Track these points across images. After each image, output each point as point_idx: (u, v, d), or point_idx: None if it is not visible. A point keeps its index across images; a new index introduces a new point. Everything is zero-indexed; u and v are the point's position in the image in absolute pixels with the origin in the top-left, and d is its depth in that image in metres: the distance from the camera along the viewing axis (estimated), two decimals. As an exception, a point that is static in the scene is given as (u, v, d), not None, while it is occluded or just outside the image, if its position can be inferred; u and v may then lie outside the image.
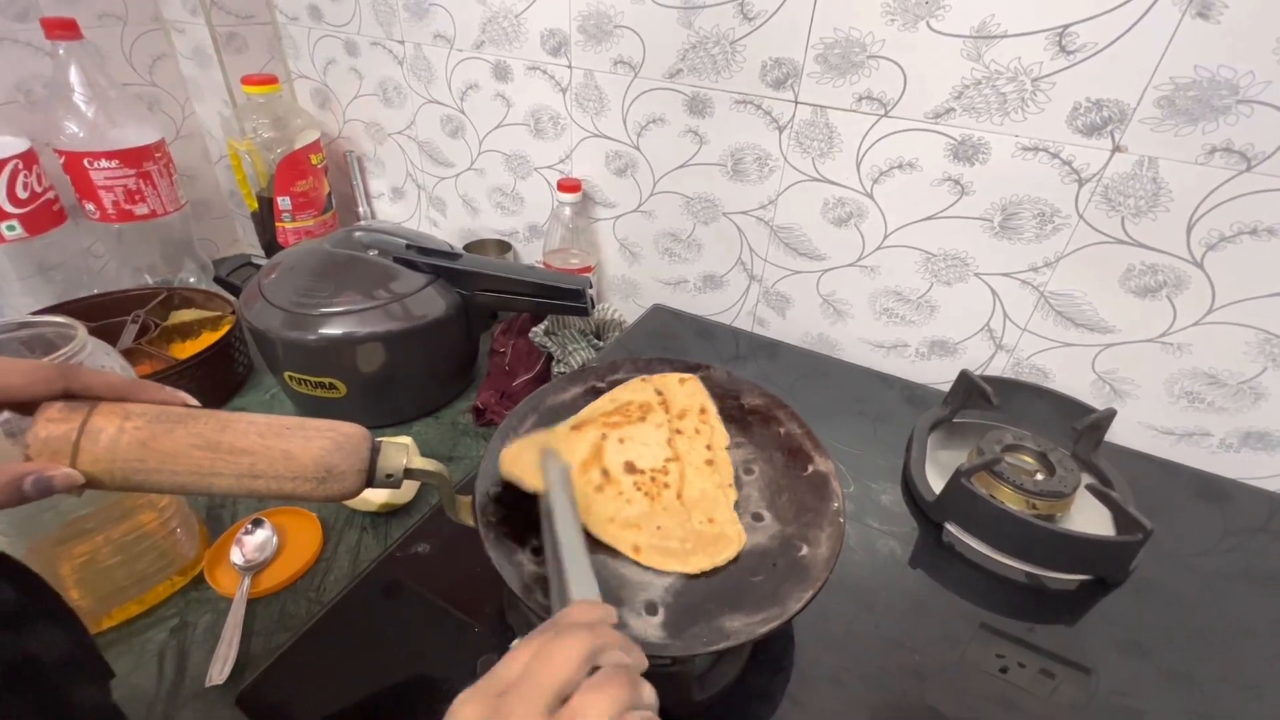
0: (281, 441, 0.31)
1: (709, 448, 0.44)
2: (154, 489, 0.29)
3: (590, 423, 0.45)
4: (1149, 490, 0.55)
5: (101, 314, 0.72)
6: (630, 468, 0.42)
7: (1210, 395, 0.59)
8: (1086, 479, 0.54)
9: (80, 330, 0.43)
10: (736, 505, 0.41)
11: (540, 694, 0.22)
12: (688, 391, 0.48)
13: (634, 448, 0.43)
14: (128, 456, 0.29)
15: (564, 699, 0.23)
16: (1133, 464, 0.59)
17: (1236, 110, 0.48)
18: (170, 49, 0.92)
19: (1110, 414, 0.56)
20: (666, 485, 0.41)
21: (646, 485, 0.41)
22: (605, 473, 0.42)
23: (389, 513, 0.59)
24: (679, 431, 0.44)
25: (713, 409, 0.47)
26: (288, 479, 0.31)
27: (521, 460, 0.40)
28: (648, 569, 0.37)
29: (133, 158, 0.77)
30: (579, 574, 0.30)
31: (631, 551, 0.38)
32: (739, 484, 0.43)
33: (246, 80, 0.85)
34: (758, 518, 0.41)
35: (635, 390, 0.48)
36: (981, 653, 0.44)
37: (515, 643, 0.26)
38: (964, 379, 0.61)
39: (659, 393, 0.47)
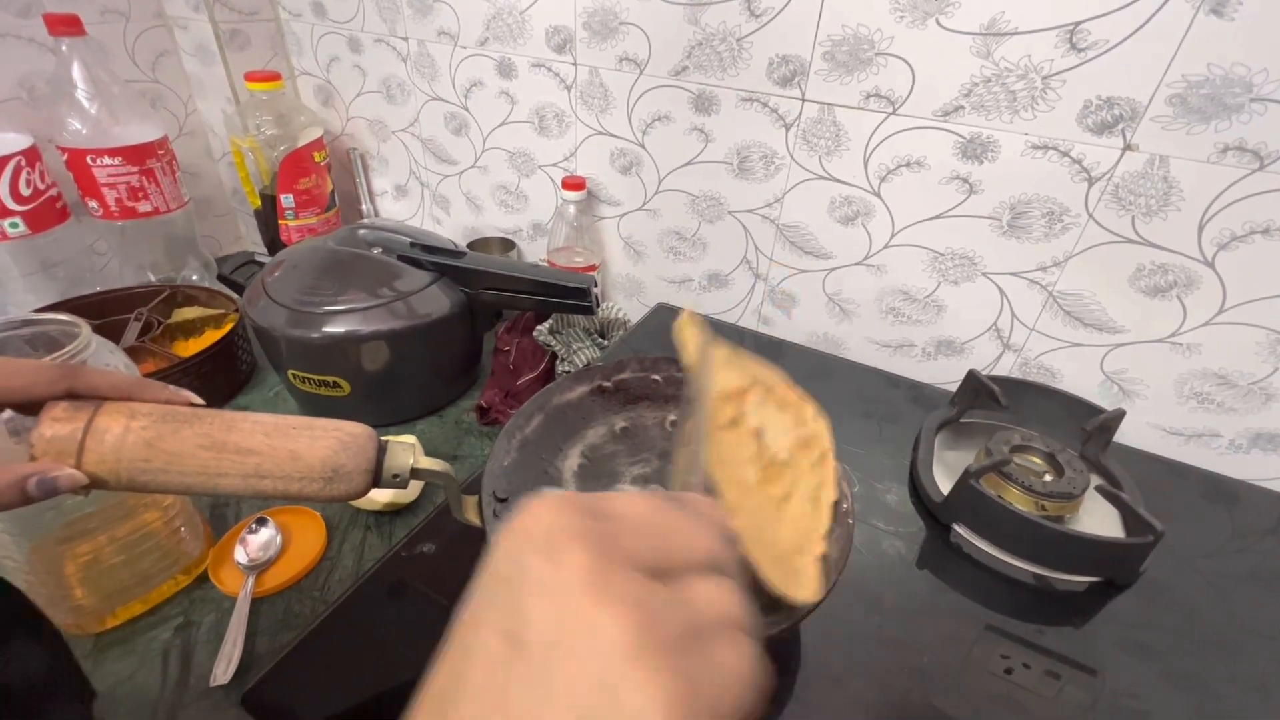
0: (288, 441, 0.31)
1: (820, 487, 0.38)
2: (160, 489, 0.29)
3: (749, 372, 0.40)
4: (1158, 491, 0.54)
5: (105, 311, 0.72)
6: (758, 435, 0.37)
7: (1220, 396, 0.58)
8: (1095, 480, 0.54)
9: (84, 328, 0.42)
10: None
11: (657, 547, 0.18)
12: (821, 427, 0.41)
13: (771, 421, 0.38)
14: (133, 457, 0.28)
15: (669, 574, 0.17)
16: (1142, 465, 0.59)
17: (1250, 109, 0.48)
18: (173, 45, 0.91)
19: (1119, 414, 0.56)
20: (777, 479, 0.36)
21: (764, 463, 0.36)
22: (738, 421, 0.37)
23: (393, 512, 0.59)
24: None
25: (833, 461, 0.40)
26: (294, 479, 0.31)
27: (686, 331, 0.37)
28: None
29: (136, 155, 0.76)
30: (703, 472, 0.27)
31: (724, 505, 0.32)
32: None
33: (250, 77, 0.85)
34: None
35: (786, 390, 0.41)
36: (987, 653, 0.44)
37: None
38: (971, 379, 0.61)
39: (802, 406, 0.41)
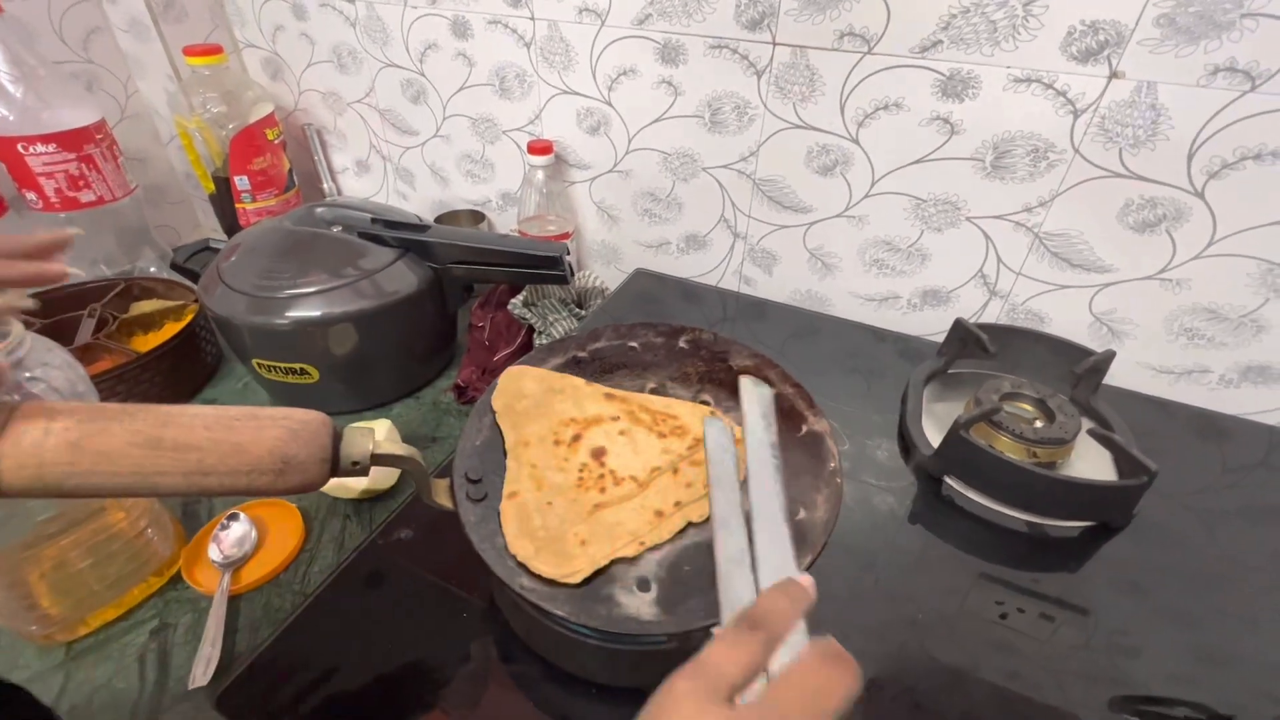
0: (231, 434, 0.29)
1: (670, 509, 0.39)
2: (91, 493, 0.27)
3: (621, 401, 0.44)
4: (1149, 431, 0.53)
5: (54, 309, 0.68)
6: (598, 454, 0.40)
7: (1210, 331, 0.57)
8: (1087, 424, 0.53)
9: (15, 325, 0.39)
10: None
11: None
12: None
13: (624, 446, 0.41)
14: (57, 460, 0.26)
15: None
16: (1132, 405, 0.58)
17: (1241, 25, 0.45)
18: (104, 21, 0.85)
19: (1109, 356, 0.55)
20: (596, 488, 0.38)
21: (586, 474, 0.39)
22: (576, 439, 0.41)
23: (372, 498, 0.57)
24: (675, 470, 0.40)
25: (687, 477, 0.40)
26: (242, 473, 0.29)
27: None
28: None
29: (71, 140, 0.72)
30: (773, 544, 0.29)
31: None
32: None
33: (189, 51, 0.79)
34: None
35: (692, 413, 0.43)
36: (981, 602, 0.44)
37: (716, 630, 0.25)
38: (958, 328, 0.59)
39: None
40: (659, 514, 0.37)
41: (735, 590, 0.28)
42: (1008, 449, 0.50)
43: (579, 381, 0.46)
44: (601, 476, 0.39)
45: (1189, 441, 0.57)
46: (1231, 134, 0.49)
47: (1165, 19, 0.47)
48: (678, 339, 0.49)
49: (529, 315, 0.70)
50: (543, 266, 0.64)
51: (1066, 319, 0.63)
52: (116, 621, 0.47)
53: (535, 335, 0.70)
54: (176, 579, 0.50)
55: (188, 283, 0.73)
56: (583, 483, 0.39)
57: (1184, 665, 0.40)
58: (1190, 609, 0.43)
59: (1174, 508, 0.50)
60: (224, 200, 0.87)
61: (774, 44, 0.61)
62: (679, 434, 0.42)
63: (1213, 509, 0.51)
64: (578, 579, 0.33)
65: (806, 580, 0.27)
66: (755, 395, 0.41)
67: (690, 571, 0.34)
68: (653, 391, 0.46)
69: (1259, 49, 0.46)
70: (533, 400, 0.44)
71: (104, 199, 0.77)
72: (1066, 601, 0.44)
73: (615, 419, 0.42)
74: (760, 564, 0.29)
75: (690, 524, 0.37)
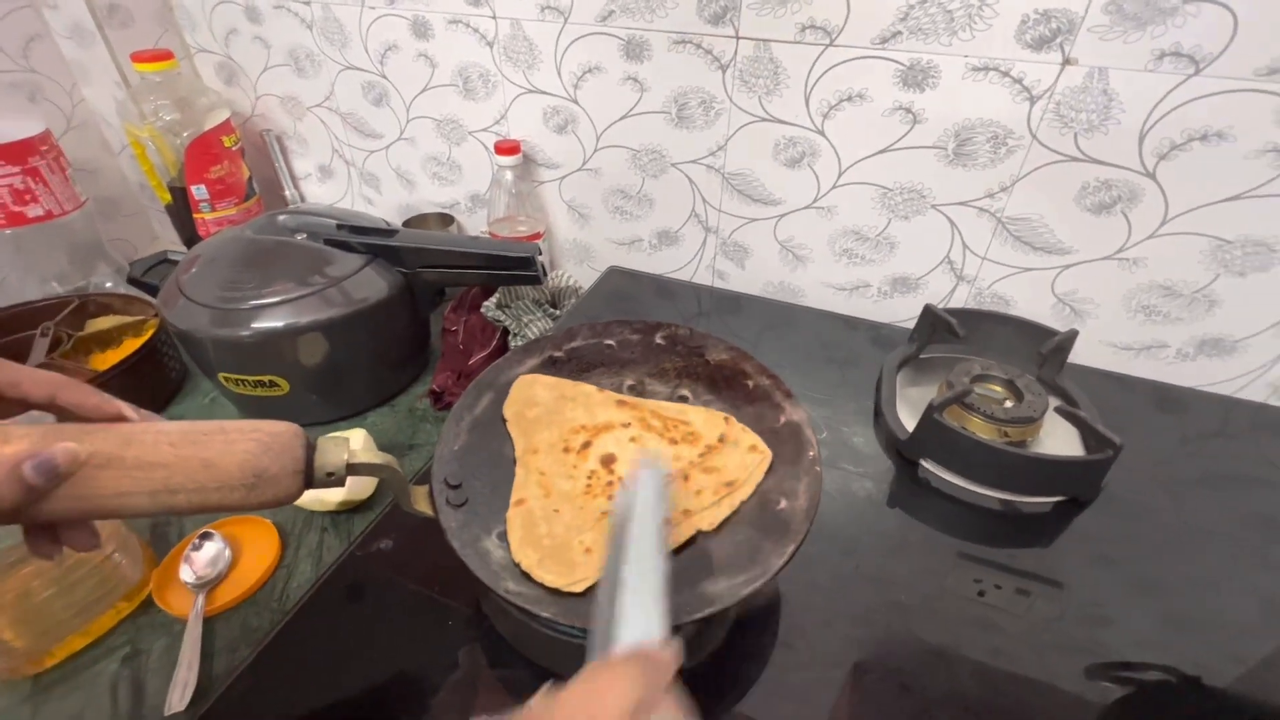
0: (199, 450, 0.28)
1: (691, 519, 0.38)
2: (50, 519, 0.26)
3: (633, 408, 0.43)
4: (1112, 407, 0.55)
5: (5, 330, 0.65)
6: (608, 461, 0.40)
7: (1166, 307, 0.59)
8: (1054, 402, 0.55)
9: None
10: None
11: None
12: (743, 462, 0.40)
13: (635, 452, 0.40)
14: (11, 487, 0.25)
15: None
16: (1096, 382, 0.59)
17: (1184, 11, 0.47)
18: (44, 28, 0.82)
19: (1072, 335, 0.56)
20: (604, 496, 0.38)
21: (600, 485, 0.38)
22: (586, 446, 0.40)
23: (350, 509, 0.56)
24: (686, 477, 0.39)
25: (745, 492, 0.39)
26: (211, 490, 0.28)
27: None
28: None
29: (14, 153, 0.69)
30: (640, 603, 0.26)
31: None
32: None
33: (137, 57, 0.77)
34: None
35: (706, 420, 0.43)
36: (960, 580, 0.45)
37: (547, 686, 0.23)
38: (928, 313, 0.60)
39: (721, 439, 0.41)
40: (666, 522, 0.36)
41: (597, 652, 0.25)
42: (980, 430, 0.52)
43: (590, 389, 0.45)
44: (610, 484, 0.38)
45: (1150, 415, 0.59)
46: (1179, 116, 0.51)
47: (1113, 6, 0.49)
48: (654, 335, 0.49)
49: (503, 317, 0.69)
50: (515, 268, 0.63)
51: (1031, 301, 0.64)
52: (86, 650, 0.46)
53: (510, 337, 0.69)
54: (148, 603, 0.49)
55: (146, 297, 0.70)
56: (591, 489, 0.38)
57: (1153, 631, 0.42)
58: (1157, 576, 0.45)
59: (1139, 479, 0.51)
60: (182, 211, 0.85)
61: (737, 38, 0.61)
62: (691, 440, 0.41)
63: (1175, 479, 0.53)
64: (581, 588, 0.33)
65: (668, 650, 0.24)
66: (648, 476, 0.35)
67: (677, 567, 0.34)
68: (631, 389, 0.46)
69: (1202, 33, 0.47)
70: (544, 408, 0.43)
71: (53, 213, 0.74)
72: (1041, 576, 0.45)
73: (626, 425, 0.42)
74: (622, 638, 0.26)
75: (700, 532, 0.36)
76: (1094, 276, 0.60)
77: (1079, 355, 0.59)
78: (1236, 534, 0.48)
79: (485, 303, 0.70)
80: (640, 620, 0.25)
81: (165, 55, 0.77)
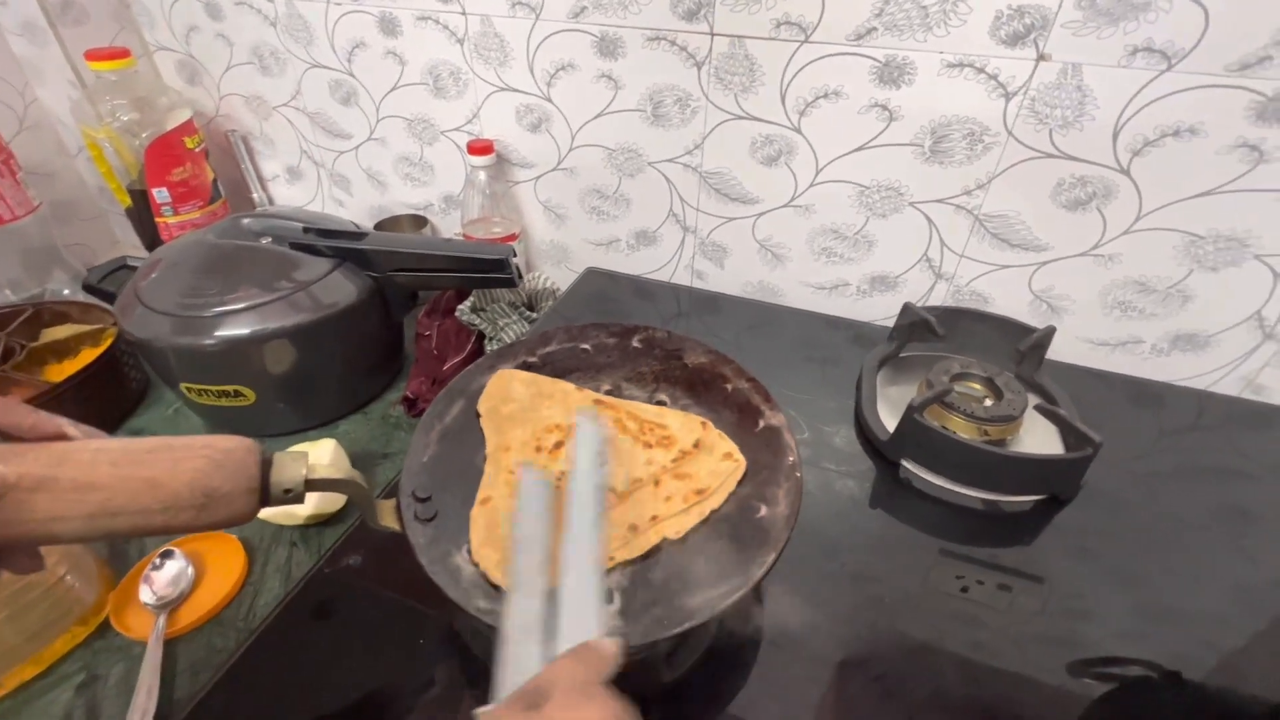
0: (141, 469, 0.26)
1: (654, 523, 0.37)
2: (-26, 549, 0.24)
3: (610, 409, 0.42)
4: (1090, 403, 0.55)
5: (-48, 341, 0.62)
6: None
7: (1141, 302, 0.60)
8: (1033, 399, 0.54)
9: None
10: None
11: None
12: (715, 470, 0.39)
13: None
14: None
15: None
16: (1073, 378, 0.60)
17: (1156, 6, 0.47)
18: (-8, 26, 0.79)
19: (1050, 332, 0.56)
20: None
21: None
22: (559, 446, 0.39)
23: (321, 523, 0.54)
24: (657, 482, 0.38)
25: (715, 501, 0.38)
26: (156, 511, 0.26)
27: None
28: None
29: (-40, 156, 0.66)
30: (578, 604, 0.26)
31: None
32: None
33: (92, 56, 0.74)
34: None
35: (683, 424, 0.42)
36: (943, 577, 0.45)
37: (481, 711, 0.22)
38: (908, 312, 0.60)
39: (697, 445, 0.40)
40: (634, 528, 0.35)
41: (520, 663, 0.25)
42: (960, 429, 0.51)
43: (569, 387, 0.44)
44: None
45: (1127, 409, 0.59)
46: (1152, 112, 0.51)
47: (1086, 1, 0.48)
48: (631, 339, 0.48)
49: (478, 321, 0.68)
50: (489, 270, 0.61)
51: (1008, 298, 0.64)
52: (37, 679, 0.43)
53: (486, 341, 0.68)
54: (105, 627, 0.46)
55: (104, 305, 0.67)
56: (560, 490, 0.36)
57: (1133, 624, 0.42)
58: (1136, 570, 0.45)
59: (1117, 474, 0.51)
60: (143, 214, 0.82)
61: (712, 34, 0.60)
62: (665, 444, 0.40)
63: (1152, 473, 0.53)
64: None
65: (607, 645, 0.24)
66: (589, 433, 0.36)
67: (656, 580, 0.33)
68: (607, 393, 0.45)
69: (1174, 29, 0.47)
70: (519, 405, 0.43)
71: (3, 218, 0.71)
72: (1023, 571, 0.45)
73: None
74: (561, 627, 0.26)
75: (666, 539, 0.35)
76: (1070, 273, 0.60)
77: (1056, 351, 0.59)
78: (1212, 526, 0.48)
79: (460, 306, 0.69)
80: (579, 615, 0.26)
81: (122, 53, 0.75)
